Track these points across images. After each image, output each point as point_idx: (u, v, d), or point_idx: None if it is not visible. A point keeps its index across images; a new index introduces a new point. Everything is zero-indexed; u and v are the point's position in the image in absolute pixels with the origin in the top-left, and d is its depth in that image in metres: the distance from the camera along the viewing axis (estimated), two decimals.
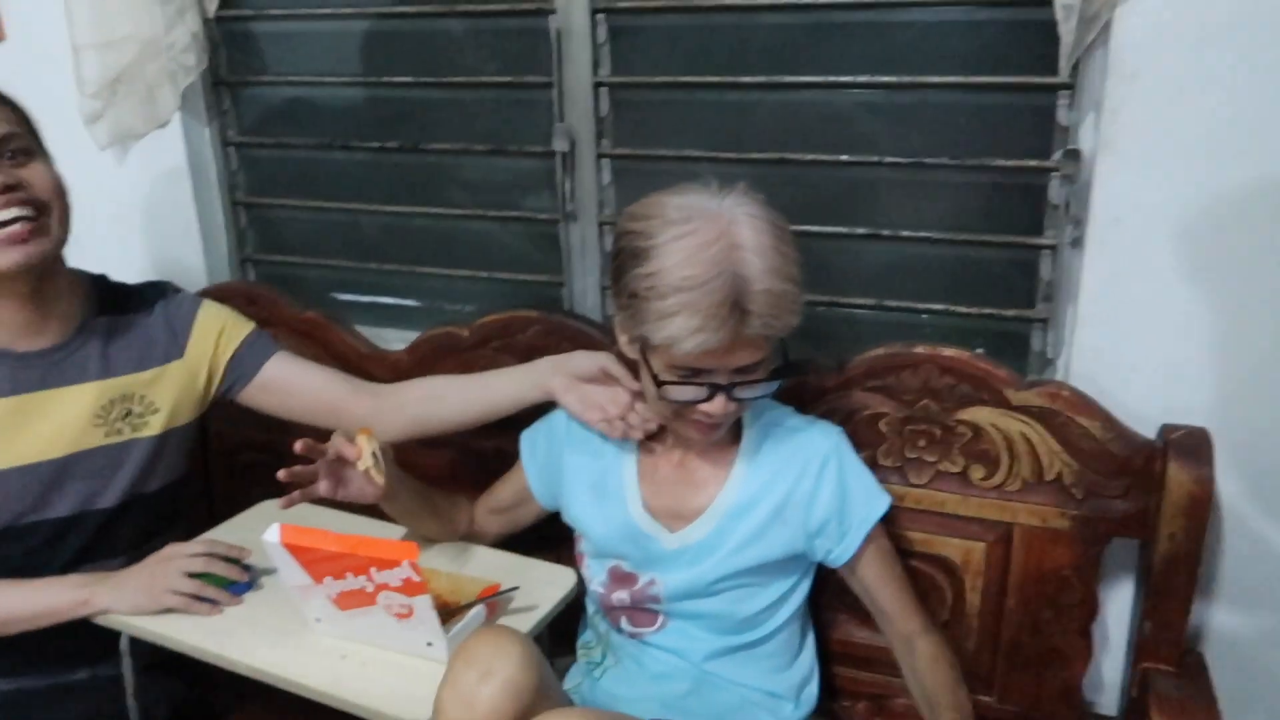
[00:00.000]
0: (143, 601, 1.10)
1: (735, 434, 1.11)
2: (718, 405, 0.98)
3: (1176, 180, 1.11)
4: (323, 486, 1.07)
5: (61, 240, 1.13)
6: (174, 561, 1.12)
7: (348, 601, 1.00)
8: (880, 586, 1.11)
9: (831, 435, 1.10)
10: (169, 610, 1.10)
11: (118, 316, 1.22)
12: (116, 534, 1.21)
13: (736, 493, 1.08)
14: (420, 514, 1.19)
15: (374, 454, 1.06)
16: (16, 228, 1.06)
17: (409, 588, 0.95)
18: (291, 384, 1.27)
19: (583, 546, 1.18)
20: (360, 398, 1.25)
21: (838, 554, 1.09)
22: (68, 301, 1.18)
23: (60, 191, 1.12)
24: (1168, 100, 1.08)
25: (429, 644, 1.00)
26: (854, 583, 1.12)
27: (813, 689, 1.17)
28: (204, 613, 1.10)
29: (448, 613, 1.04)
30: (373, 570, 0.95)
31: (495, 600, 1.08)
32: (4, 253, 1.06)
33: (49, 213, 1.10)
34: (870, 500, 1.09)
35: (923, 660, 1.08)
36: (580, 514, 1.15)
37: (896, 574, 1.12)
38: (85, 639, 1.12)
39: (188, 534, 1.23)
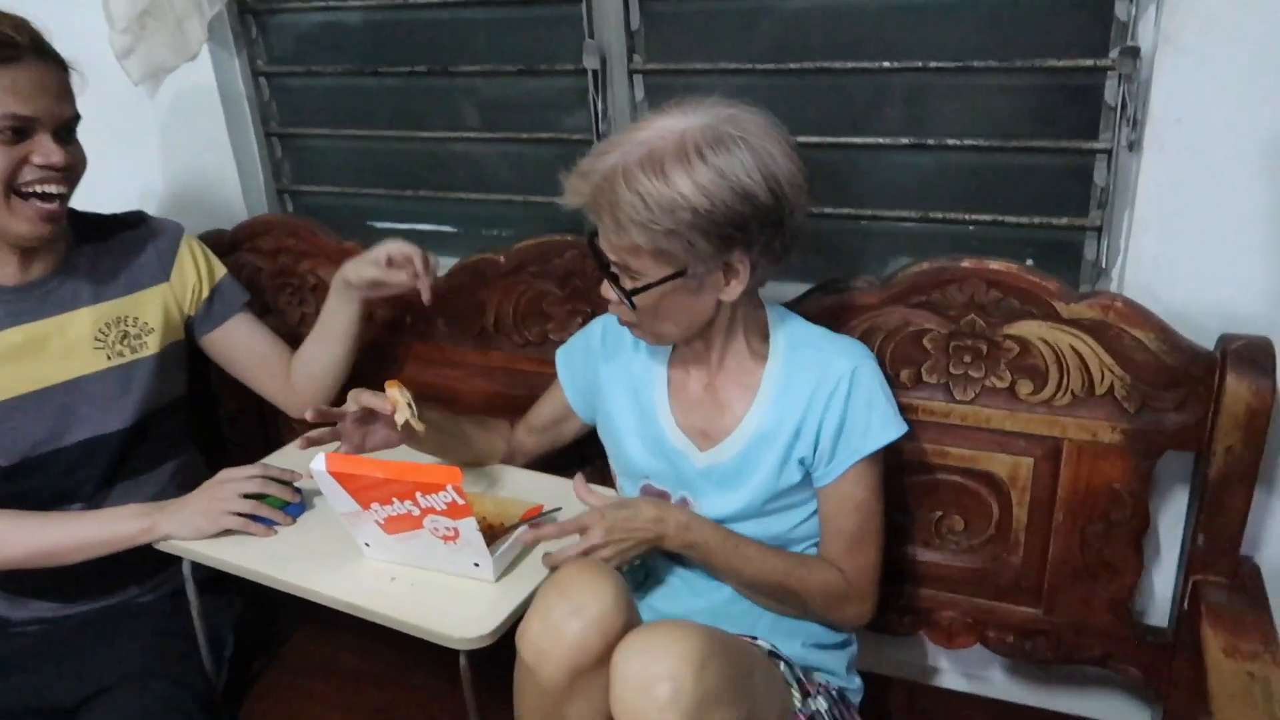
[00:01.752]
0: (202, 524, 1.14)
1: (762, 355, 1.09)
2: (606, 288, 1.02)
3: (1242, 78, 1.04)
4: (345, 447, 1.11)
5: None
6: (229, 484, 1.15)
7: (395, 526, 1.02)
8: (833, 517, 1.08)
9: (854, 358, 1.06)
10: (228, 532, 1.14)
11: (100, 244, 1.26)
12: (135, 455, 1.26)
13: (762, 415, 1.07)
14: (452, 447, 1.21)
15: (409, 404, 1.07)
16: (54, 205, 1.12)
17: (454, 511, 0.97)
18: (247, 344, 1.34)
19: (615, 465, 1.19)
20: (290, 376, 1.34)
21: (819, 476, 1.07)
22: None
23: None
24: None
25: (475, 564, 1.03)
26: (820, 503, 1.10)
27: None
28: (260, 534, 1.14)
29: (492, 534, 1.06)
30: (418, 495, 0.97)
31: (539, 521, 1.10)
32: (38, 225, 1.12)
33: (76, 185, 1.15)
34: (868, 433, 1.05)
35: (821, 568, 1.08)
36: (619, 426, 1.15)
37: (856, 519, 1.07)
38: (150, 562, 1.17)
39: (209, 453, 1.28)
